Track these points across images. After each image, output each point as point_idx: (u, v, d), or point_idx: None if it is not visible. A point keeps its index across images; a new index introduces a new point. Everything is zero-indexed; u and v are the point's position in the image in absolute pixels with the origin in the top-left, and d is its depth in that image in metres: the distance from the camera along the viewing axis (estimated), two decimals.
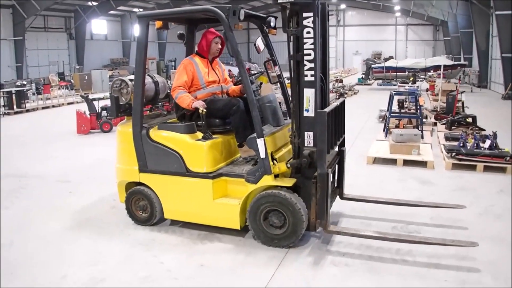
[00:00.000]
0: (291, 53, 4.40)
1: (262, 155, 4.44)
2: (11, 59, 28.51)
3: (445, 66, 22.14)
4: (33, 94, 19.78)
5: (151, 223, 5.28)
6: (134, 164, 5.19)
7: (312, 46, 4.28)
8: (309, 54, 4.30)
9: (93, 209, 6.03)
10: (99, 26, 36.98)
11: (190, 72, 5.12)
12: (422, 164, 7.83)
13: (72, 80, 25.08)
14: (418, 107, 10.00)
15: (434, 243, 4.44)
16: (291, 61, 4.39)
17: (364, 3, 41.05)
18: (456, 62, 24.95)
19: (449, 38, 34.10)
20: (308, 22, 4.26)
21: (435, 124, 11.72)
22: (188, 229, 5.16)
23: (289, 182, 4.52)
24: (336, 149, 5.14)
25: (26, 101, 18.41)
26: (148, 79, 5.58)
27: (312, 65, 4.30)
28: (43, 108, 18.64)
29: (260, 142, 4.41)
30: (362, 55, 42.45)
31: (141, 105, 5.11)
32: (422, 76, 22.48)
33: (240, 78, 5.16)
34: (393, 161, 7.97)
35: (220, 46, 5.26)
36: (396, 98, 10.26)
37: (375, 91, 22.33)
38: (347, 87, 20.62)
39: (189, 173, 4.88)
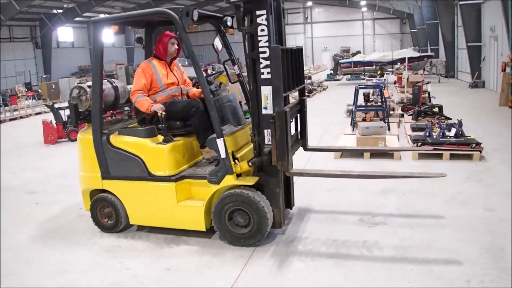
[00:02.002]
0: (247, 51, 4.39)
1: (223, 155, 4.43)
2: None
3: (411, 58, 22.56)
4: (0, 106, 19.36)
5: (117, 230, 5.22)
6: (97, 171, 5.13)
7: (267, 44, 4.28)
8: (264, 52, 4.30)
9: (60, 219, 5.95)
10: (65, 33, 36.42)
11: (148, 75, 5.08)
12: (389, 155, 7.92)
13: (39, 90, 24.59)
14: (383, 99, 10.12)
15: (401, 176, 4.92)
16: (247, 59, 4.38)
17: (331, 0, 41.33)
18: (422, 54, 25.34)
19: (416, 30, 34.62)
20: (262, 19, 4.27)
21: (402, 115, 11.89)
22: (155, 234, 5.12)
23: (252, 180, 4.53)
24: (296, 94, 5.16)
25: None
26: (107, 85, 5.54)
27: (267, 62, 4.30)
28: (10, 119, 18.25)
29: (219, 142, 4.40)
30: (331, 51, 42.67)
31: (100, 111, 5.05)
32: (389, 69, 22.76)
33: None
34: (360, 154, 8.03)
35: (176, 47, 5.23)
36: (362, 92, 10.35)
37: (344, 86, 22.50)
38: (315, 83, 20.72)
39: (151, 177, 4.83)
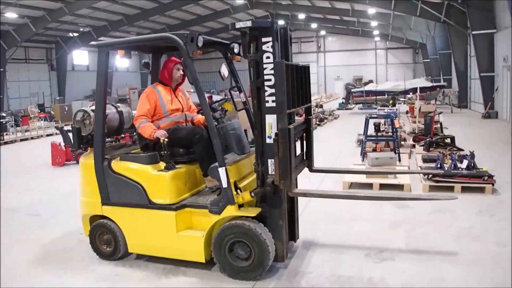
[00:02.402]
0: (252, 79, 4.30)
1: (224, 184, 4.30)
2: None
3: (424, 88, 22.45)
4: (12, 126, 19.51)
5: (115, 257, 5.08)
6: (97, 196, 5.03)
7: (272, 72, 4.18)
8: (269, 80, 4.21)
9: (61, 243, 5.85)
10: (80, 57, 37.03)
11: (153, 101, 5.00)
12: (399, 187, 7.72)
13: (52, 112, 24.84)
14: (394, 130, 9.96)
15: (409, 198, 5.06)
16: (252, 87, 4.29)
17: (344, 29, 41.61)
18: (435, 84, 25.24)
19: (429, 60, 34.63)
20: (267, 47, 4.19)
21: (413, 146, 11.68)
22: (154, 263, 4.96)
23: (254, 212, 4.38)
24: (302, 113, 5.07)
25: (5, 133, 18.17)
26: (111, 109, 5.49)
27: (272, 90, 4.19)
28: (21, 140, 18.36)
29: (221, 171, 4.28)
30: (344, 80, 42.83)
31: (103, 136, 4.97)
32: (401, 99, 22.64)
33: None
34: (369, 186, 7.84)
35: (182, 73, 5.17)
36: (372, 121, 10.21)
37: (355, 115, 22.37)
38: (327, 112, 20.63)
39: (151, 205, 4.71)
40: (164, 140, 4.68)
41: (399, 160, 9.42)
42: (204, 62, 51.27)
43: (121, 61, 39.99)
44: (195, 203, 4.68)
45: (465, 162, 8.08)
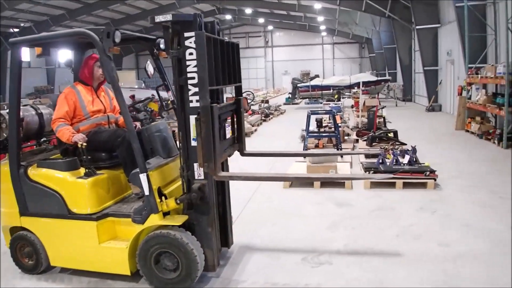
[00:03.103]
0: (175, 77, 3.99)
1: (146, 192, 3.97)
2: None
3: (369, 82, 22.70)
4: None
5: (38, 271, 4.69)
6: (15, 207, 4.61)
7: (195, 69, 3.87)
8: (193, 78, 3.90)
9: None
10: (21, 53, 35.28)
11: (72, 102, 4.60)
12: (341, 184, 7.58)
13: None
14: (335, 125, 9.87)
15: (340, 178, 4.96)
16: (175, 85, 3.98)
17: (291, 24, 41.71)
18: (379, 78, 25.60)
19: (374, 54, 35.21)
20: (190, 42, 3.87)
21: (357, 141, 11.68)
22: (78, 277, 4.58)
23: (179, 220, 4.07)
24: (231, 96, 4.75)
25: None
26: (30, 111, 5.02)
27: (196, 89, 3.89)
28: None
29: (143, 177, 3.94)
30: (291, 74, 42.92)
31: (18, 141, 4.54)
32: (347, 93, 22.82)
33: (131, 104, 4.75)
34: (310, 184, 7.67)
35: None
36: (314, 117, 10.10)
37: (302, 110, 22.24)
38: (273, 107, 20.48)
39: (71, 215, 4.33)
40: (82, 145, 4.30)
41: (341, 156, 9.33)
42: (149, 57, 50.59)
43: (64, 57, 38.47)
44: (119, 211, 4.33)
45: (407, 157, 8.07)
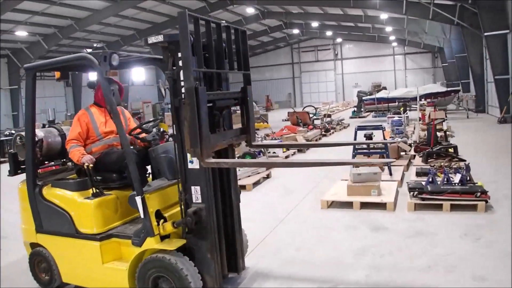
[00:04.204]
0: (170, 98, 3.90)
1: (142, 214, 3.91)
2: (7, 108, 28.92)
3: (437, 93, 21.63)
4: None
5: (52, 286, 4.82)
6: (32, 224, 4.82)
7: None
8: None
9: (10, 268, 5.69)
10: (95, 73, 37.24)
11: (84, 124, 4.70)
12: (381, 206, 7.11)
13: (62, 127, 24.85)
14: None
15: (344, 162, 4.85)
16: (171, 107, 3.88)
17: (360, 36, 40.95)
18: (449, 89, 24.35)
19: (447, 64, 33.67)
20: None
21: (414, 157, 11.04)
22: None
23: (175, 244, 3.98)
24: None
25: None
26: (53, 132, 5.21)
27: None
28: None
29: (138, 200, 3.89)
30: (362, 87, 41.88)
31: (33, 160, 4.72)
32: (414, 106, 21.86)
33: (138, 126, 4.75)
34: (350, 205, 7.27)
35: (116, 92, 4.81)
36: (362, 133, 9.68)
37: (369, 124, 21.64)
38: (335, 122, 20.00)
39: (78, 235, 4.41)
40: (89, 166, 4.34)
41: (390, 174, 8.84)
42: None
43: (137, 75, 40.33)
44: (123, 233, 4.32)
45: (459, 176, 7.46)
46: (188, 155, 3.86)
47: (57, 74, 4.95)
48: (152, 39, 3.73)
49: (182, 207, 3.98)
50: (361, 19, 30.97)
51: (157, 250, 3.99)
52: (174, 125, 3.90)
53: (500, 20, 18.44)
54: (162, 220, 4.01)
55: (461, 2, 19.56)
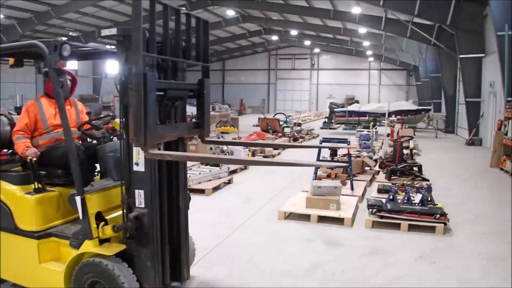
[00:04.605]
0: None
1: (80, 215, 3.71)
2: None
3: (408, 110, 21.87)
4: None
5: None
6: None
7: None
8: None
9: None
10: (69, 62, 36.50)
11: (32, 115, 4.44)
12: (339, 221, 7.02)
13: None
14: (349, 155, 9.35)
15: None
16: (120, 105, 3.70)
17: (337, 48, 41.24)
18: (420, 107, 24.68)
19: (420, 82, 34.18)
20: None
21: (378, 173, 11.06)
22: None
23: (113, 250, 3.78)
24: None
25: None
26: (2, 121, 4.92)
27: None
28: None
29: (78, 200, 3.70)
30: (336, 98, 42.18)
31: None
32: (384, 121, 22.05)
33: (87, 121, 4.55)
34: (307, 218, 7.16)
35: (69, 83, 4.59)
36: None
37: (337, 136, 21.74)
38: (304, 131, 19.98)
39: (16, 230, 4.17)
40: (32, 159, 4.11)
41: (352, 189, 8.80)
42: (197, 73, 51.10)
43: (111, 68, 39.48)
44: (62, 232, 4.10)
45: (419, 196, 7.45)
46: (134, 156, 3.67)
47: (11, 60, 4.67)
48: (105, 32, 3.55)
49: (125, 210, 3.79)
50: (340, 32, 31.17)
51: (95, 254, 3.80)
52: (121, 123, 3.72)
53: (477, 44, 18.75)
54: (102, 223, 3.82)
55: (440, 23, 19.81)
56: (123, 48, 3.63)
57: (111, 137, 4.52)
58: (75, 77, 4.70)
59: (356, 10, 23.11)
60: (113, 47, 3.84)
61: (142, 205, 3.73)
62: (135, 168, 3.72)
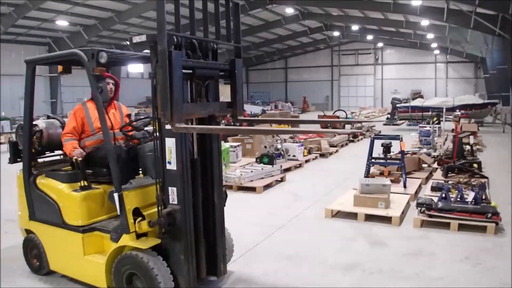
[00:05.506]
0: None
1: (119, 211, 3.99)
2: (46, 94, 29.86)
3: (474, 105, 20.97)
4: None
5: (42, 273, 5.02)
6: (26, 211, 5.03)
7: None
8: None
9: (9, 252, 5.81)
10: (134, 65, 37.89)
11: (79, 118, 4.83)
12: (387, 219, 6.88)
13: None
14: (402, 152, 9.14)
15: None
16: (152, 106, 3.90)
17: (401, 41, 40.03)
18: (486, 101, 23.54)
19: (488, 75, 32.53)
20: None
21: (435, 170, 10.71)
22: (74, 284, 4.75)
23: (148, 243, 4.03)
24: None
25: None
26: (55, 124, 5.42)
27: None
28: None
29: (115, 197, 3.98)
30: (401, 94, 40.98)
31: (29, 150, 4.94)
32: (449, 117, 21.25)
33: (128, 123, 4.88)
34: (354, 216, 7.09)
35: (112, 87, 4.91)
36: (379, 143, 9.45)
37: (400, 132, 21.12)
38: (365, 128, 19.60)
39: (64, 225, 4.56)
40: (77, 159, 4.47)
41: (404, 187, 8.60)
42: (261, 72, 51.59)
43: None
44: (105, 227, 4.41)
45: (472, 194, 7.16)
46: (167, 155, 3.87)
47: (60, 68, 5.05)
48: (136, 39, 3.77)
49: (160, 207, 4.00)
50: (402, 25, 30.29)
51: (133, 248, 4.05)
52: (153, 125, 3.93)
53: None
54: (139, 218, 4.05)
55: (502, 12, 18.80)
56: (155, 53, 3.81)
57: (146, 138, 4.77)
58: (118, 82, 4.99)
59: (416, 2, 22.37)
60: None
61: (175, 202, 3.92)
62: (168, 166, 3.92)
